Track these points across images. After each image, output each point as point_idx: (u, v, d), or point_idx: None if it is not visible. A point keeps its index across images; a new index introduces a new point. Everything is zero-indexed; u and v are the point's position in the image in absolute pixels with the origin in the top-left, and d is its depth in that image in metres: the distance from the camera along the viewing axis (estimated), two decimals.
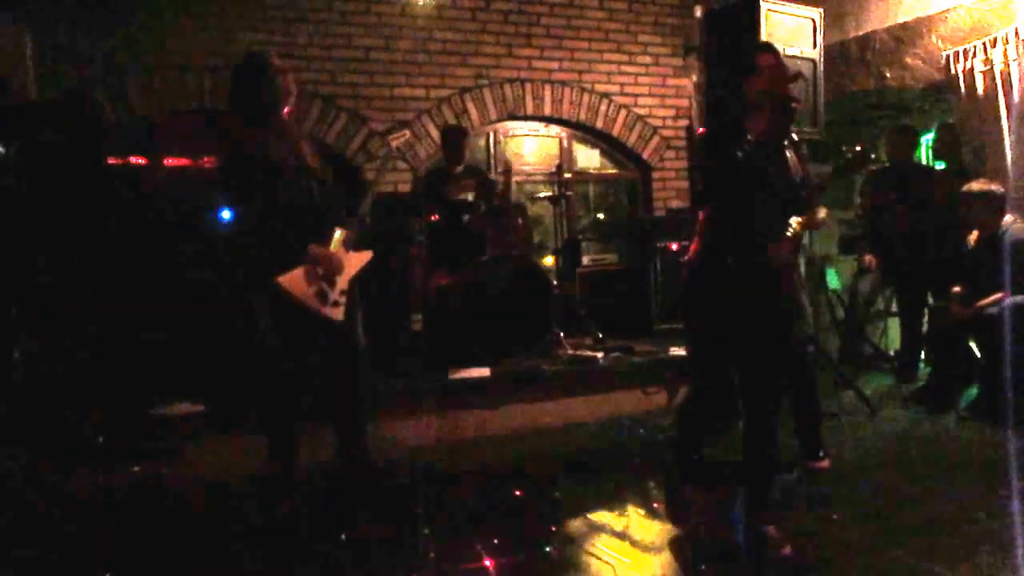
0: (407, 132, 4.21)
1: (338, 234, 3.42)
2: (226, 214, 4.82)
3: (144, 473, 3.85)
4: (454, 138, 5.78)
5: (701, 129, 3.08)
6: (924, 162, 6.54)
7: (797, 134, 4.62)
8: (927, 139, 6.79)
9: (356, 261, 3.50)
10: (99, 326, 4.45)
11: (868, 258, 5.96)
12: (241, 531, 3.33)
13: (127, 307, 4.60)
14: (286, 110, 3.43)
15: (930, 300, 5.84)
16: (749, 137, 2.90)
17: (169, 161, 5.43)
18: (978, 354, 5.06)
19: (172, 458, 3.94)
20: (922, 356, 5.93)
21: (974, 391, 4.88)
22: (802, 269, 5.89)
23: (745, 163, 2.85)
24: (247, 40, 5.70)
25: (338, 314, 3.36)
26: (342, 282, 3.40)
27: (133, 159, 5.36)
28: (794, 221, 3.07)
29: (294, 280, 3.24)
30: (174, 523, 3.48)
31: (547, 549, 3.08)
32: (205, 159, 5.54)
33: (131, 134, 5.45)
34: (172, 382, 4.44)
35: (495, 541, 3.13)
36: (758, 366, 2.97)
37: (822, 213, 3.97)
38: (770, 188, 2.91)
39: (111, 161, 5.05)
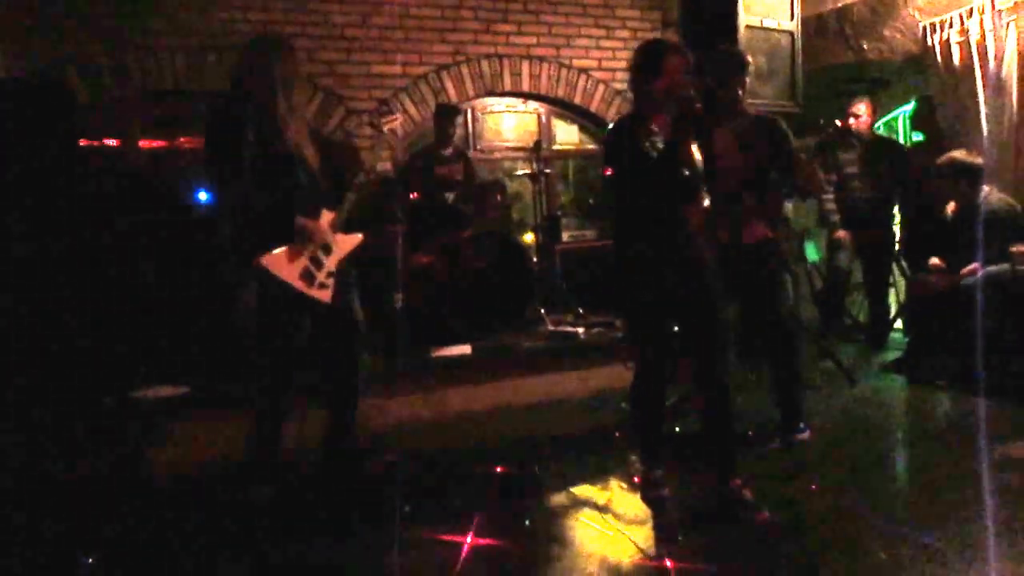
0: (399, 116, 4.17)
1: (326, 216, 3.38)
2: (203, 195, 4.80)
3: (126, 456, 3.83)
4: (448, 117, 5.76)
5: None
6: (894, 135, 6.58)
7: (776, 108, 4.66)
8: (906, 111, 6.83)
9: (345, 243, 3.46)
10: (77, 309, 4.42)
11: (840, 233, 5.99)
12: (225, 514, 3.33)
13: (106, 290, 4.56)
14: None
15: (901, 272, 5.92)
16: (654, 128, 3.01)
17: (144, 142, 5.39)
18: (954, 324, 5.11)
19: (155, 441, 3.92)
20: (894, 327, 6.00)
21: (951, 360, 4.94)
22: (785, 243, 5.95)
23: (647, 157, 2.95)
24: (222, 18, 5.62)
25: (326, 296, 3.31)
26: (330, 264, 3.35)
27: (107, 140, 5.31)
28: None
29: (277, 261, 3.19)
30: (156, 507, 3.46)
31: (531, 523, 3.10)
32: (183, 140, 5.49)
33: (104, 115, 5.36)
34: (155, 365, 4.42)
35: (478, 517, 3.15)
36: (704, 333, 3.09)
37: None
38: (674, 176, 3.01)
39: (84, 143, 4.99)
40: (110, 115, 5.41)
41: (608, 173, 3.11)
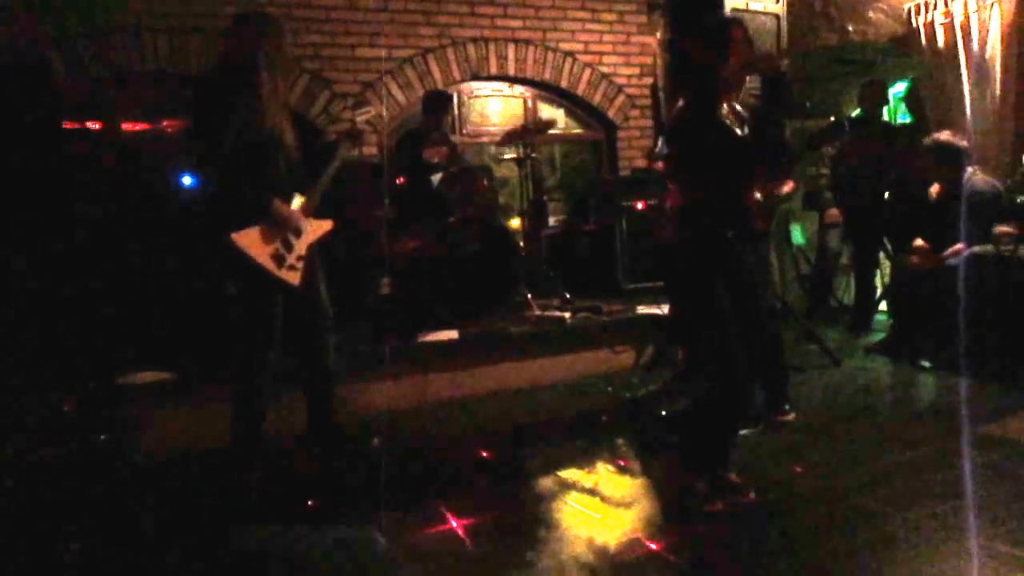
0: (371, 109, 4.17)
1: (298, 200, 3.38)
2: (187, 179, 4.76)
3: (110, 442, 3.81)
4: (438, 103, 5.73)
5: (681, 101, 3.07)
6: (888, 118, 6.59)
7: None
8: (898, 92, 6.84)
9: (316, 228, 3.46)
10: (60, 294, 4.39)
11: (832, 212, 6.01)
12: (210, 499, 3.33)
13: (90, 275, 4.53)
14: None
15: (887, 254, 5.95)
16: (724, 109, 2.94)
17: (127, 125, 5.33)
18: (938, 305, 5.14)
19: (139, 427, 3.90)
20: (879, 308, 6.04)
21: (934, 341, 4.97)
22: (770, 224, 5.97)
23: (730, 140, 2.89)
24: (207, 0, 5.55)
25: (294, 279, 3.32)
26: (300, 247, 3.36)
27: (89, 123, 5.25)
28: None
29: (249, 238, 3.19)
30: (141, 493, 3.46)
31: (518, 508, 3.11)
32: (165, 122, 5.43)
33: (87, 97, 5.29)
34: (139, 350, 4.40)
35: (466, 502, 3.16)
36: (744, 323, 2.99)
37: (788, 187, 4.01)
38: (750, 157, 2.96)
39: (67, 125, 4.94)
40: (93, 97, 5.34)
41: (675, 152, 3.07)
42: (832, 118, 3.23)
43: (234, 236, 3.17)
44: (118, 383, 4.11)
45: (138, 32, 5.48)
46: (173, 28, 5.47)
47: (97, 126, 5.25)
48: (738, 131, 2.95)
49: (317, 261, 3.49)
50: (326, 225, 3.52)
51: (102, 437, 3.80)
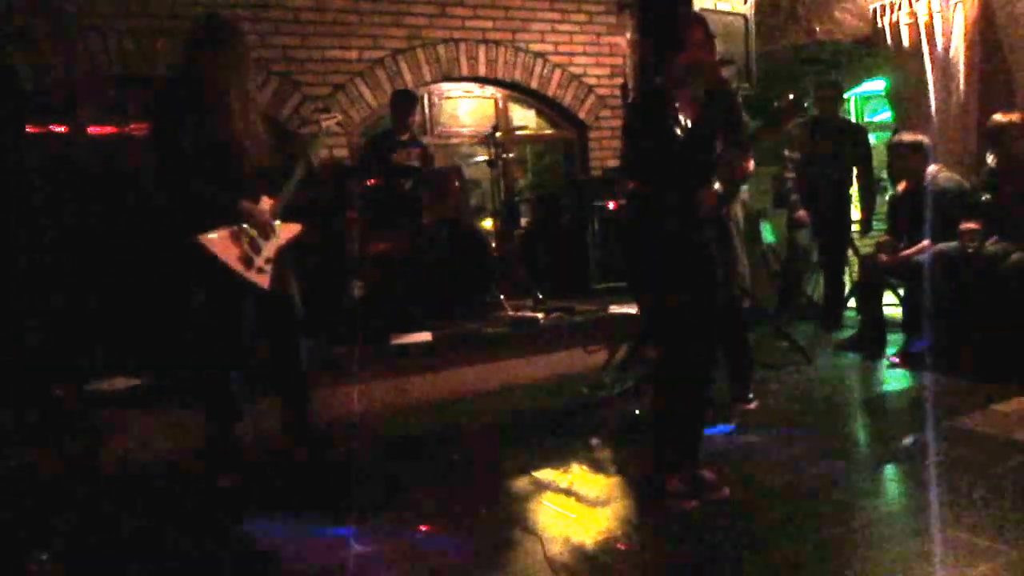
0: (337, 115, 4.21)
1: (266, 202, 3.36)
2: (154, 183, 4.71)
3: (81, 450, 3.76)
4: (405, 104, 5.72)
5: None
6: (856, 117, 6.68)
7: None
8: (876, 90, 6.92)
9: (285, 232, 3.45)
10: (29, 300, 4.33)
11: (801, 213, 6.08)
12: (182, 504, 3.30)
13: (58, 280, 4.48)
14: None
15: (855, 252, 6.03)
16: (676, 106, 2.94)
17: (93, 128, 5.26)
18: (904, 301, 5.22)
19: (110, 434, 3.86)
20: (848, 305, 6.11)
21: (902, 337, 5.04)
22: (740, 222, 6.02)
23: (675, 138, 2.90)
24: (172, 2, 5.49)
25: (263, 281, 3.31)
26: (269, 250, 3.34)
27: (55, 126, 5.17)
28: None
29: (217, 240, 3.18)
30: (112, 499, 3.42)
31: (493, 508, 3.11)
32: (132, 126, 5.37)
33: (51, 101, 5.21)
34: (109, 356, 4.35)
35: (441, 502, 3.16)
36: (692, 318, 2.99)
37: (751, 165, 4.03)
38: (693, 150, 2.95)
39: (31, 129, 4.87)
40: (58, 100, 5.26)
41: (627, 151, 3.07)
42: (791, 95, 3.24)
43: (201, 238, 3.15)
44: (88, 389, 4.06)
45: (104, 34, 5.41)
46: (140, 30, 5.40)
47: (63, 129, 5.18)
48: (678, 128, 2.93)
49: (288, 264, 3.47)
50: (295, 228, 3.51)
51: (72, 444, 3.75)
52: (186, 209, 3.20)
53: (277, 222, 3.40)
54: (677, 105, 2.95)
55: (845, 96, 6.70)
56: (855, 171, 5.97)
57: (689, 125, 2.94)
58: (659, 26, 3.02)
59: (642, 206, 3.06)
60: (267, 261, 3.34)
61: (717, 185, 2.93)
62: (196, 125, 3.13)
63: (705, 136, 2.94)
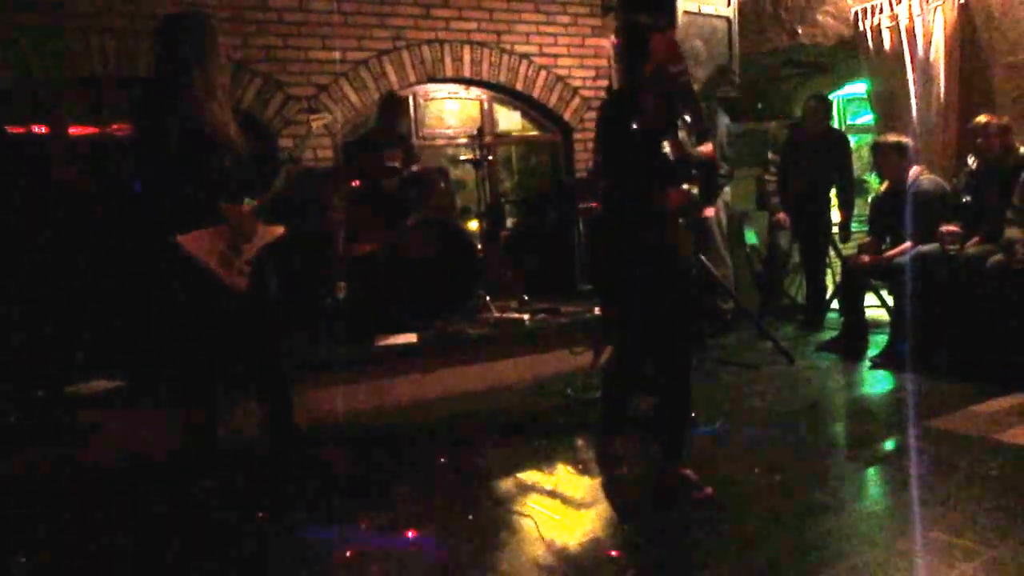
0: (328, 115, 4.16)
1: (247, 204, 3.34)
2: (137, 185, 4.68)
3: (60, 453, 3.74)
4: (393, 107, 5.71)
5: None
6: (833, 122, 6.74)
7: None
8: (858, 92, 6.96)
9: (265, 233, 3.41)
10: (8, 302, 4.29)
11: (781, 216, 6.13)
12: (161, 506, 3.28)
13: (38, 283, 4.44)
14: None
15: (837, 253, 6.08)
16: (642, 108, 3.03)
17: (74, 129, 5.22)
18: (886, 303, 5.27)
19: (91, 436, 3.83)
20: (831, 307, 6.16)
21: (883, 338, 5.08)
22: (723, 224, 6.07)
23: (635, 136, 3.00)
24: (154, 2, 5.46)
25: (242, 283, 3.27)
26: (248, 252, 3.31)
27: (35, 127, 5.13)
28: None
29: (196, 241, 3.15)
30: (92, 502, 3.40)
31: (478, 509, 3.11)
32: (114, 126, 5.34)
33: (31, 100, 5.17)
34: (89, 358, 4.32)
35: (425, 504, 3.16)
36: (663, 318, 3.06)
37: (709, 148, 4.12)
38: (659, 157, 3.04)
39: (11, 129, 4.83)
40: (38, 100, 5.21)
41: (598, 150, 3.17)
42: (719, 63, 3.23)
43: (180, 238, 3.12)
44: (67, 391, 4.03)
45: (85, 34, 5.37)
46: (121, 28, 5.36)
47: (43, 130, 5.14)
48: (639, 127, 3.01)
49: (269, 266, 3.45)
50: (277, 230, 3.48)
51: (52, 448, 3.73)
52: (166, 208, 3.19)
53: (259, 223, 3.38)
54: (641, 107, 3.03)
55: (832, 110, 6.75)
56: (835, 175, 6.02)
57: (649, 127, 3.02)
58: (628, 35, 3.13)
59: (613, 206, 3.15)
60: (247, 263, 3.30)
61: (686, 185, 3.01)
62: (175, 121, 3.12)
63: (663, 136, 3.03)
